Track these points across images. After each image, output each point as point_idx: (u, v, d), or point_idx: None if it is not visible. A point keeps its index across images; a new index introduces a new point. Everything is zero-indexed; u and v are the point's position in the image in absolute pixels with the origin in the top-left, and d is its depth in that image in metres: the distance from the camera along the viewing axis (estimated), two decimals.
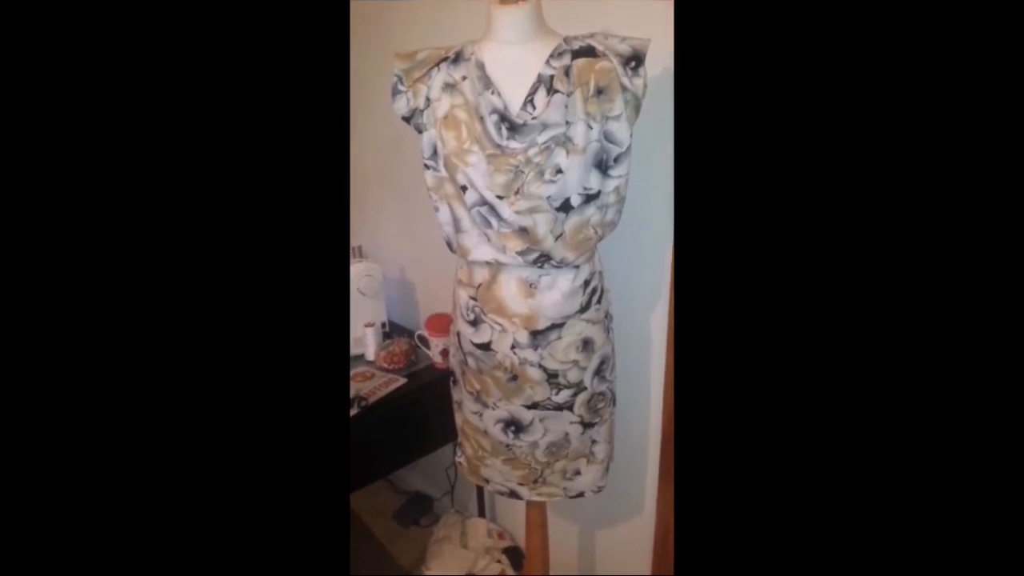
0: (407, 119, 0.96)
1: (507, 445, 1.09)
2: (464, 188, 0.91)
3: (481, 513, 1.78)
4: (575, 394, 1.03)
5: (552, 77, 0.87)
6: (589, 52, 0.88)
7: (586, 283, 0.98)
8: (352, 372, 1.53)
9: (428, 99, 0.93)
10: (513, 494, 1.16)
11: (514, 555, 1.63)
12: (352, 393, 1.40)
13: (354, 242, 1.69)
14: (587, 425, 1.08)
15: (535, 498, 1.15)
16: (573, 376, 1.02)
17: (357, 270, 1.61)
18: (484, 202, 0.91)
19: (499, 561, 1.62)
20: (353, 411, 1.34)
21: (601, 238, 0.97)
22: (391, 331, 1.70)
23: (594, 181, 0.90)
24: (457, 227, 0.97)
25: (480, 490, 1.75)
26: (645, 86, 0.88)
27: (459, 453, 1.23)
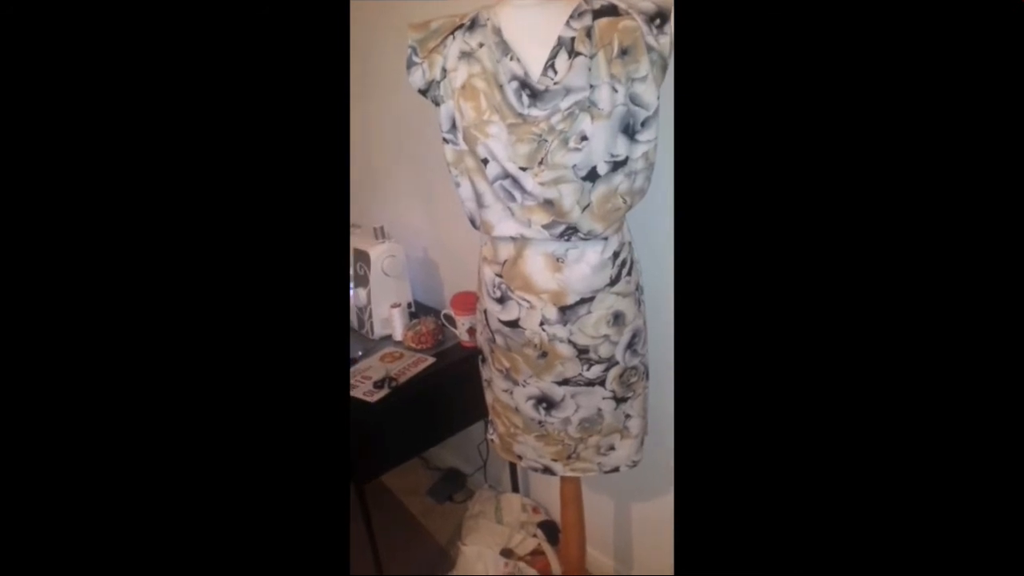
0: (423, 92, 0.93)
1: (539, 422, 1.08)
2: (485, 161, 0.88)
3: (515, 488, 1.79)
4: (607, 369, 1.01)
5: (573, 39, 0.83)
6: (611, 11, 0.84)
7: (615, 255, 0.95)
8: (381, 353, 1.53)
9: (444, 70, 0.89)
10: (547, 470, 1.15)
11: (549, 529, 1.64)
12: (382, 374, 1.40)
13: (375, 223, 1.68)
14: (620, 400, 1.05)
15: (569, 474, 1.14)
16: (604, 351, 0.99)
17: (380, 251, 1.59)
18: (507, 175, 0.87)
19: (535, 535, 1.63)
20: (384, 392, 1.34)
21: (630, 207, 0.93)
22: (417, 311, 1.69)
23: (621, 147, 0.86)
24: (479, 202, 0.94)
25: (513, 465, 1.76)
26: (672, 44, 0.84)
27: (491, 431, 1.22)
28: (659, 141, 0.89)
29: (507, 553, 1.57)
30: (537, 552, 1.59)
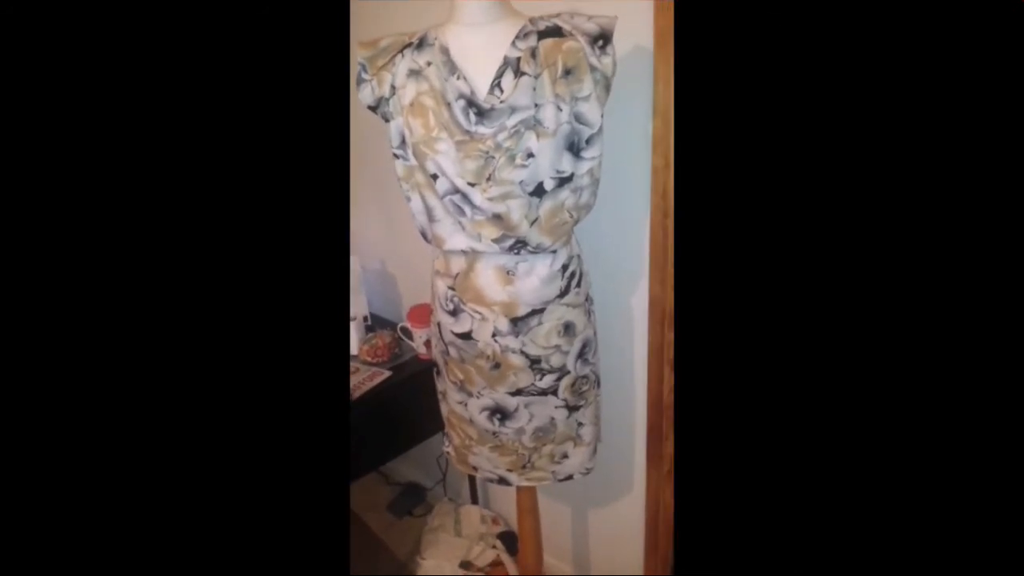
0: (373, 108, 0.94)
1: (493, 433, 1.09)
2: (435, 176, 0.90)
3: (474, 500, 1.79)
4: (559, 378, 1.03)
5: (519, 59, 0.86)
6: (555, 32, 0.87)
7: (564, 267, 0.98)
8: None
9: (393, 87, 0.91)
10: (502, 480, 1.16)
11: (509, 540, 1.64)
12: None
13: None
14: (572, 408, 1.08)
15: (524, 483, 1.15)
16: (556, 361, 1.02)
17: None
18: (456, 190, 0.89)
19: (494, 547, 1.63)
20: None
21: (577, 221, 0.96)
22: (374, 324, 1.69)
23: (567, 164, 0.89)
24: (430, 216, 0.96)
25: (472, 477, 1.76)
26: (614, 64, 0.87)
27: (447, 443, 1.23)
28: (605, 157, 0.92)
29: (466, 565, 1.57)
30: (496, 563, 1.59)
